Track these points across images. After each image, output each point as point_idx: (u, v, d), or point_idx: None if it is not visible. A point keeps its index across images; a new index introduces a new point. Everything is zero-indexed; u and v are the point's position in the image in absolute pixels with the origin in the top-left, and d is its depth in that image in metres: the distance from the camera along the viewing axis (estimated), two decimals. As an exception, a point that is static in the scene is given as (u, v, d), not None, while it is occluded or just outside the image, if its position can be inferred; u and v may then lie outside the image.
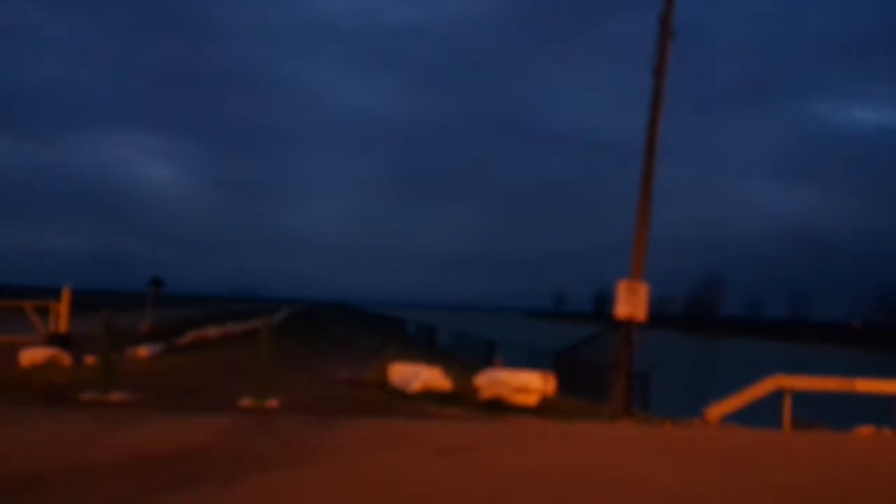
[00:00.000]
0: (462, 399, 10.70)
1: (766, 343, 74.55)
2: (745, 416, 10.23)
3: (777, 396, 10.29)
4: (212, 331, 23.24)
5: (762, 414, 10.34)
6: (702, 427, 9.73)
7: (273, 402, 9.24)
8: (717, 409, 9.98)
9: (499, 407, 10.14)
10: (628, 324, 10.37)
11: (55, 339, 16.28)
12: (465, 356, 25.08)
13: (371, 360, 16.40)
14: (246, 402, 9.25)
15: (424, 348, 26.52)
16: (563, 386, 12.75)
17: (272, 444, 6.94)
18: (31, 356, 12.34)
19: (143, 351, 15.09)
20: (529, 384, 10.52)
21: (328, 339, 27.11)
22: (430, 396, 10.86)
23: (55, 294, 18.56)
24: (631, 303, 10.32)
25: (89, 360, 12.38)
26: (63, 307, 17.72)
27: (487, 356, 21.51)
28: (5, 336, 15.85)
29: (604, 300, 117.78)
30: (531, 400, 10.46)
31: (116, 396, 9.10)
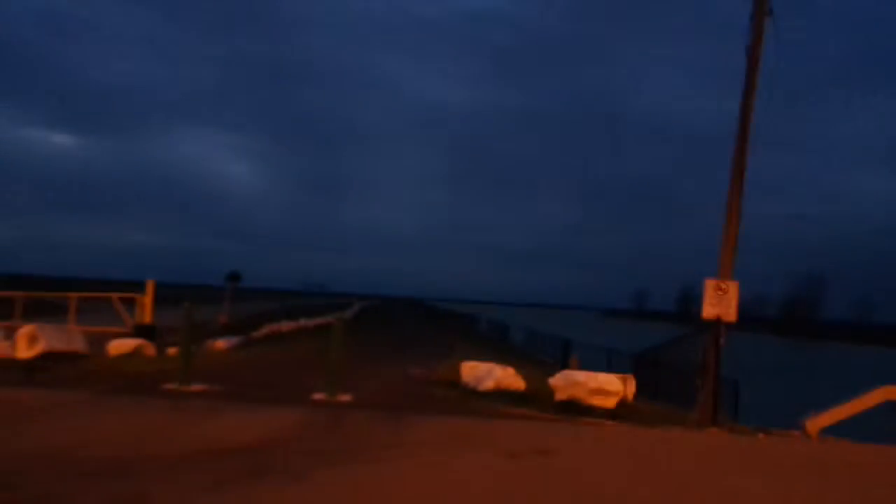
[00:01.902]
0: (536, 400, 10.37)
1: (875, 349, 68.60)
2: (847, 430, 9.37)
3: (885, 409, 9.37)
4: (286, 325, 23.84)
5: (866, 427, 9.45)
6: (800, 439, 8.98)
7: (345, 397, 9.25)
8: (818, 421, 9.18)
9: (574, 409, 9.74)
10: (716, 325, 9.70)
11: (140, 331, 17.04)
12: (540, 355, 24.62)
13: (442, 358, 16.28)
14: (319, 395, 9.30)
15: (497, 346, 26.23)
16: (644, 389, 12.16)
17: (344, 438, 6.93)
18: (119, 346, 12.92)
19: (221, 343, 15.57)
20: (608, 386, 10.04)
21: (399, 335, 27.31)
22: (502, 396, 10.59)
23: (139, 287, 19.46)
24: (719, 303, 9.65)
25: (171, 350, 12.84)
26: (147, 299, 18.54)
27: (563, 356, 20.98)
28: (95, 327, 16.73)
29: (689, 300, 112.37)
30: (609, 403, 9.98)
31: (196, 387, 9.33)
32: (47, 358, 11.23)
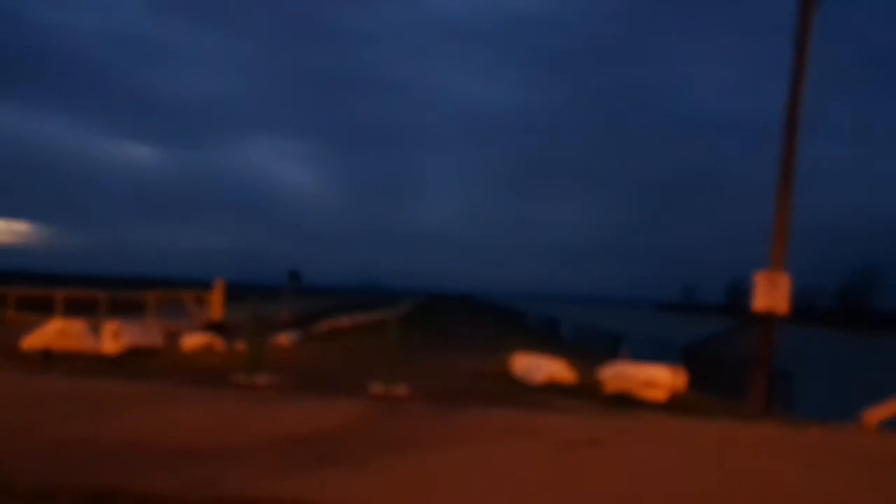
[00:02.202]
0: (586, 392, 10.53)
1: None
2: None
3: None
4: (343, 321, 24.55)
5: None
6: (857, 433, 8.83)
7: (401, 390, 9.62)
8: (877, 413, 9.01)
9: (625, 401, 9.86)
10: (767, 317, 9.64)
11: (210, 327, 18.04)
12: (589, 349, 24.57)
13: (493, 351, 16.54)
14: (376, 388, 9.70)
15: (547, 340, 26.30)
16: (695, 382, 12.12)
17: (402, 429, 7.23)
18: (191, 342, 13.76)
19: (285, 338, 16.29)
20: (658, 378, 10.13)
21: (452, 330, 27.69)
22: (553, 388, 10.78)
23: (207, 286, 20.54)
24: (770, 295, 9.59)
25: (239, 345, 13.58)
26: (216, 297, 19.57)
27: (612, 349, 20.93)
28: (169, 323, 17.78)
29: (739, 292, 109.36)
30: (660, 395, 10.07)
31: (262, 380, 9.92)
32: (129, 352, 12.14)
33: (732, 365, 13.06)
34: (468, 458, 6.05)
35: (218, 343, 13.91)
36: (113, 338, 12.16)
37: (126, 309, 20.96)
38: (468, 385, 10.95)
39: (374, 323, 24.93)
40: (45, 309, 19.49)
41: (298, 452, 5.92)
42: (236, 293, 23.66)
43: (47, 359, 11.28)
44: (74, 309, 19.49)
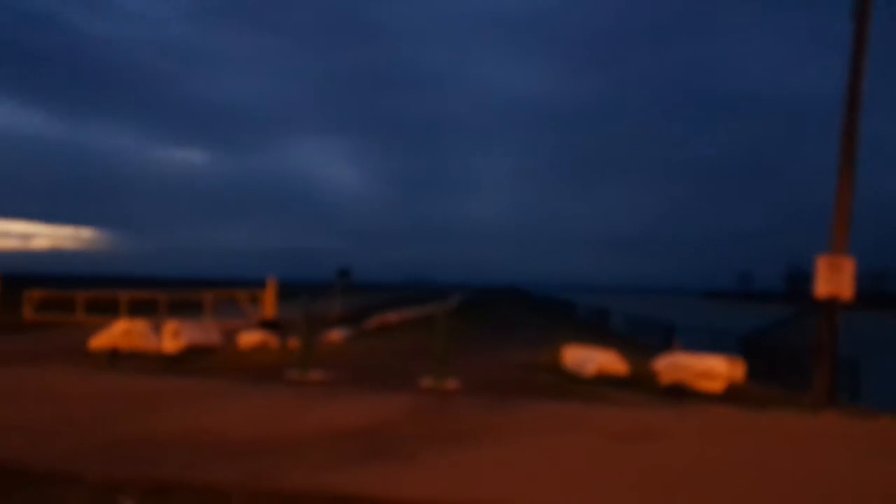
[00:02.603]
0: (639, 384, 10.33)
1: None
2: None
3: None
4: (392, 316, 24.79)
5: None
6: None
7: (451, 384, 9.66)
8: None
9: (680, 393, 9.64)
10: (830, 303, 9.24)
11: (264, 324, 18.51)
12: (641, 340, 24.08)
13: (542, 344, 16.41)
14: (426, 382, 9.77)
15: (597, 332, 25.91)
16: (755, 373, 11.74)
17: (452, 422, 7.27)
18: (247, 339, 14.15)
19: (336, 335, 16.57)
20: (715, 369, 9.85)
21: (499, 322, 27.60)
22: (605, 380, 10.63)
23: (260, 285, 21.08)
24: (833, 280, 9.18)
25: (292, 342, 13.89)
26: (269, 296, 20.06)
27: (665, 340, 20.46)
28: (225, 321, 18.34)
29: (798, 278, 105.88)
30: (716, 386, 9.80)
31: (315, 375, 10.12)
32: (189, 350, 12.58)
33: (794, 354, 12.57)
34: (519, 451, 6.04)
35: (272, 340, 14.26)
36: (173, 337, 12.63)
37: (184, 309, 21.74)
38: (518, 378, 10.90)
39: (422, 318, 25.10)
40: (110, 310, 20.39)
41: (350, 445, 6.03)
42: (288, 291, 24.22)
43: (114, 358, 11.81)
44: (137, 310, 20.34)
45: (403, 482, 5.01)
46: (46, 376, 9.79)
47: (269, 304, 20.00)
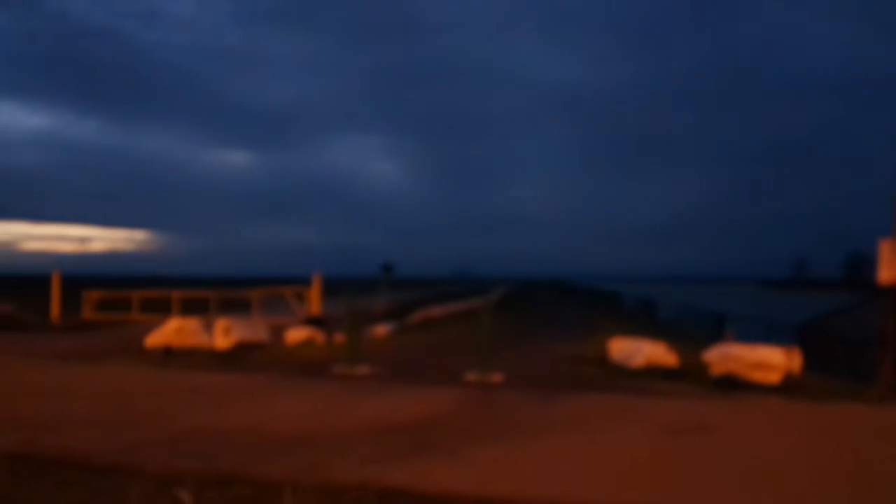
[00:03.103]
0: (689, 376, 10.09)
1: None
2: None
3: None
4: (436, 310, 24.86)
5: None
6: None
7: (496, 377, 9.63)
8: None
9: (733, 384, 9.37)
10: (895, 290, 8.82)
11: (310, 321, 18.82)
12: (690, 331, 23.54)
13: (588, 336, 16.20)
14: (471, 376, 9.77)
15: (645, 323, 25.44)
16: (813, 364, 11.31)
17: (497, 416, 7.25)
18: (294, 335, 14.42)
19: (381, 330, 16.74)
20: (770, 360, 9.53)
21: (544, 315, 27.40)
22: (653, 372, 10.42)
23: (305, 282, 21.44)
24: (897, 266, 8.75)
25: (338, 338, 14.08)
26: (315, 292, 20.39)
27: (716, 331, 19.93)
28: (272, 318, 18.73)
29: (859, 264, 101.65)
30: (772, 377, 9.48)
31: (361, 370, 10.24)
32: (239, 347, 12.91)
33: (855, 344, 12.06)
34: (566, 445, 5.98)
35: (318, 336, 14.50)
36: (224, 334, 12.97)
37: (233, 306, 22.33)
38: (564, 371, 10.79)
39: (466, 311, 25.10)
40: (164, 309, 21.10)
41: (396, 440, 6.08)
42: (333, 287, 24.56)
43: (168, 355, 12.21)
44: (188, 308, 20.97)
45: (451, 477, 5.02)
46: (107, 373, 10.20)
47: (314, 301, 20.33)
